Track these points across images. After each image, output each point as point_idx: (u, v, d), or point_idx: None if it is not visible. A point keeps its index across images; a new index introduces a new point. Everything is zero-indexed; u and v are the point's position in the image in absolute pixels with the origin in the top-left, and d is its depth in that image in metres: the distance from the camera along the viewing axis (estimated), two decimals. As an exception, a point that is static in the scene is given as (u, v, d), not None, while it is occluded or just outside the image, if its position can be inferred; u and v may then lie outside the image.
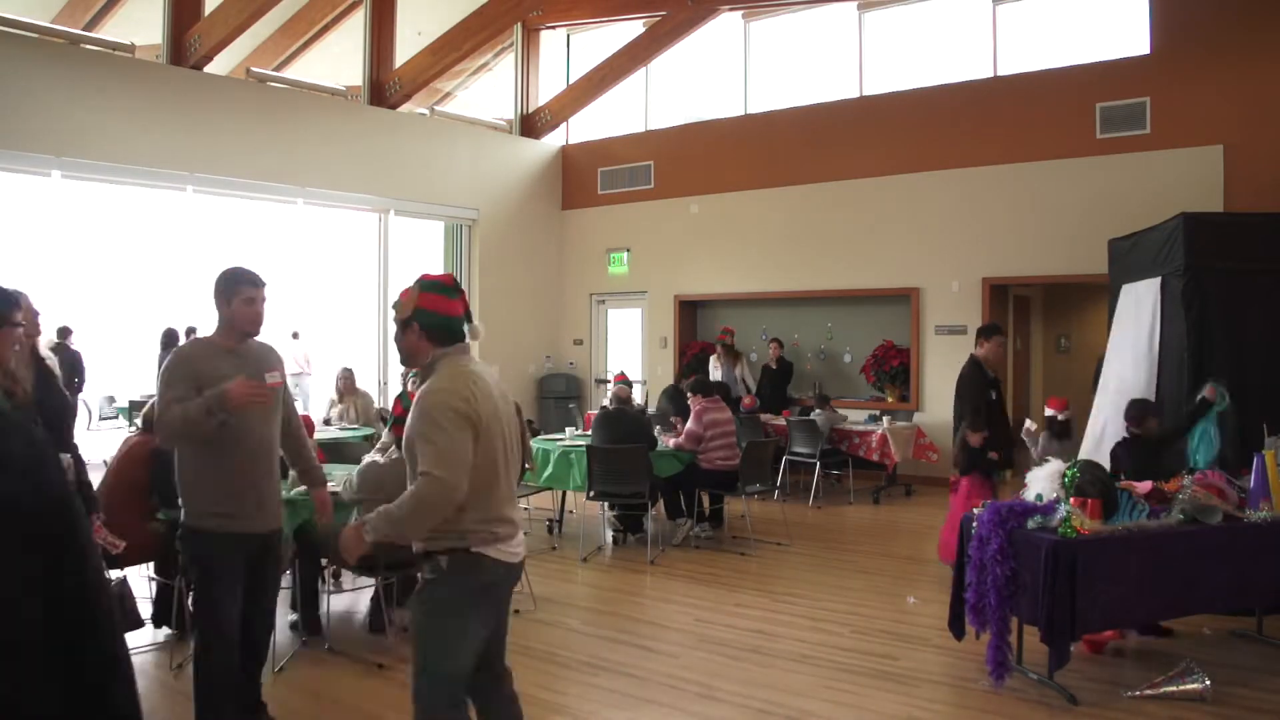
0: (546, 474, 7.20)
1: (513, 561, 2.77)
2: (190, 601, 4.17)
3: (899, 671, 4.48)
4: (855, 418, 9.88)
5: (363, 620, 5.29)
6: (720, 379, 10.15)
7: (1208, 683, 4.01)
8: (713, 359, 10.81)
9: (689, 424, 7.29)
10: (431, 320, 2.73)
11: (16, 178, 8.52)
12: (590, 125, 13.35)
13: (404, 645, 4.97)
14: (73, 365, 9.11)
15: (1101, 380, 6.63)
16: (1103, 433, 6.21)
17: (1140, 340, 6.19)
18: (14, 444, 1.32)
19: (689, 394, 7.56)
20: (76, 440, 3.92)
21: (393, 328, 2.92)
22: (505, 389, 2.89)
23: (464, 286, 12.41)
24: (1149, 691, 4.08)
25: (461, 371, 2.70)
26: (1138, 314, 6.32)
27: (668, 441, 7.43)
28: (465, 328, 2.79)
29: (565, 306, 13.26)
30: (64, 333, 9.23)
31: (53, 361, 4.05)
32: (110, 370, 10.93)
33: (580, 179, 13.13)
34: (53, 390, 3.78)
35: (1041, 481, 4.46)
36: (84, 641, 1.34)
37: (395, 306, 2.83)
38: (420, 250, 12.15)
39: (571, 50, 13.58)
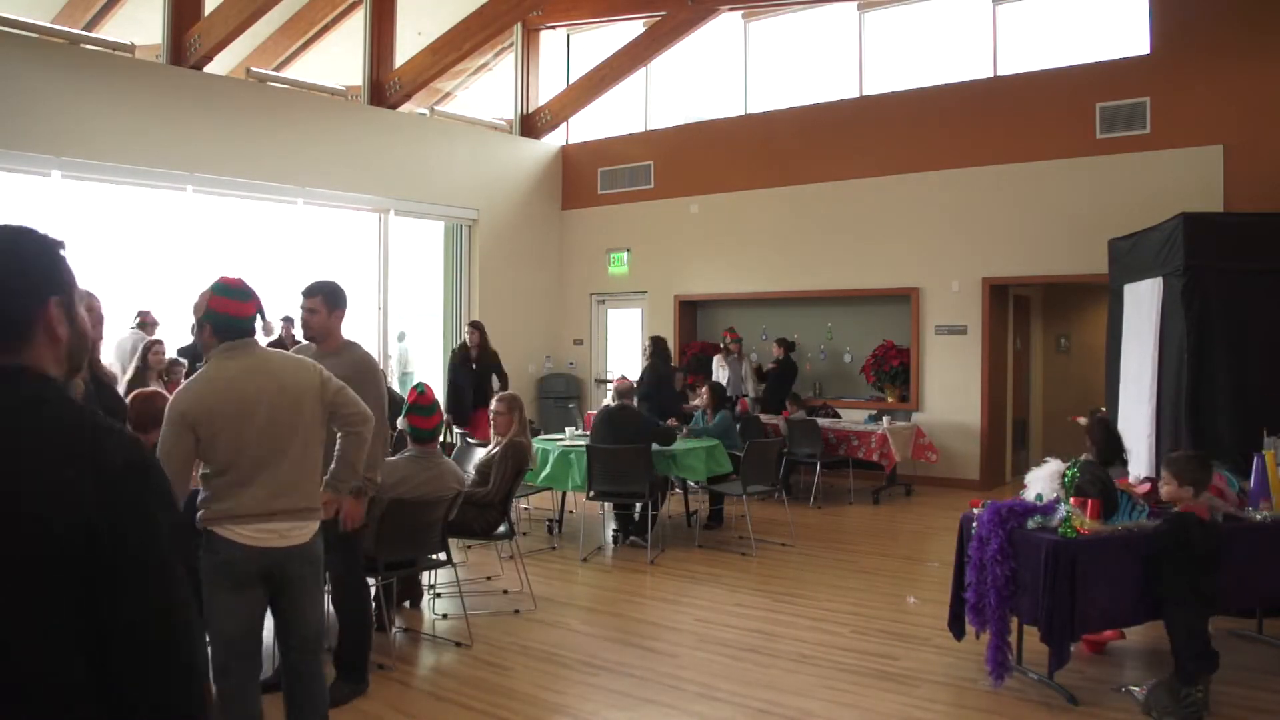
0: (545, 474, 7.20)
1: (251, 544, 2.98)
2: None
3: (899, 671, 4.48)
4: (855, 417, 9.88)
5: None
6: (725, 379, 10.17)
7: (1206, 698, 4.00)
8: (717, 359, 10.81)
9: None
10: (219, 320, 3.04)
11: (16, 178, 8.51)
12: (590, 125, 13.35)
13: (405, 645, 4.97)
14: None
15: (1122, 381, 6.62)
16: (1130, 436, 6.22)
17: (1144, 340, 6.20)
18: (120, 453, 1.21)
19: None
20: None
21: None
22: (300, 380, 3.11)
23: (464, 286, 12.33)
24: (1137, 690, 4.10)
25: (210, 373, 3.02)
26: (1139, 314, 6.33)
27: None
28: (258, 325, 3.13)
29: (565, 306, 13.26)
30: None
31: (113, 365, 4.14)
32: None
33: (580, 179, 13.13)
34: (110, 395, 3.85)
35: (1041, 481, 4.46)
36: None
37: (195, 307, 3.16)
38: (420, 250, 12.14)
39: (571, 50, 13.58)
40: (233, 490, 2.98)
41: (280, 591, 3.10)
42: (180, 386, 3.09)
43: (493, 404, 6.10)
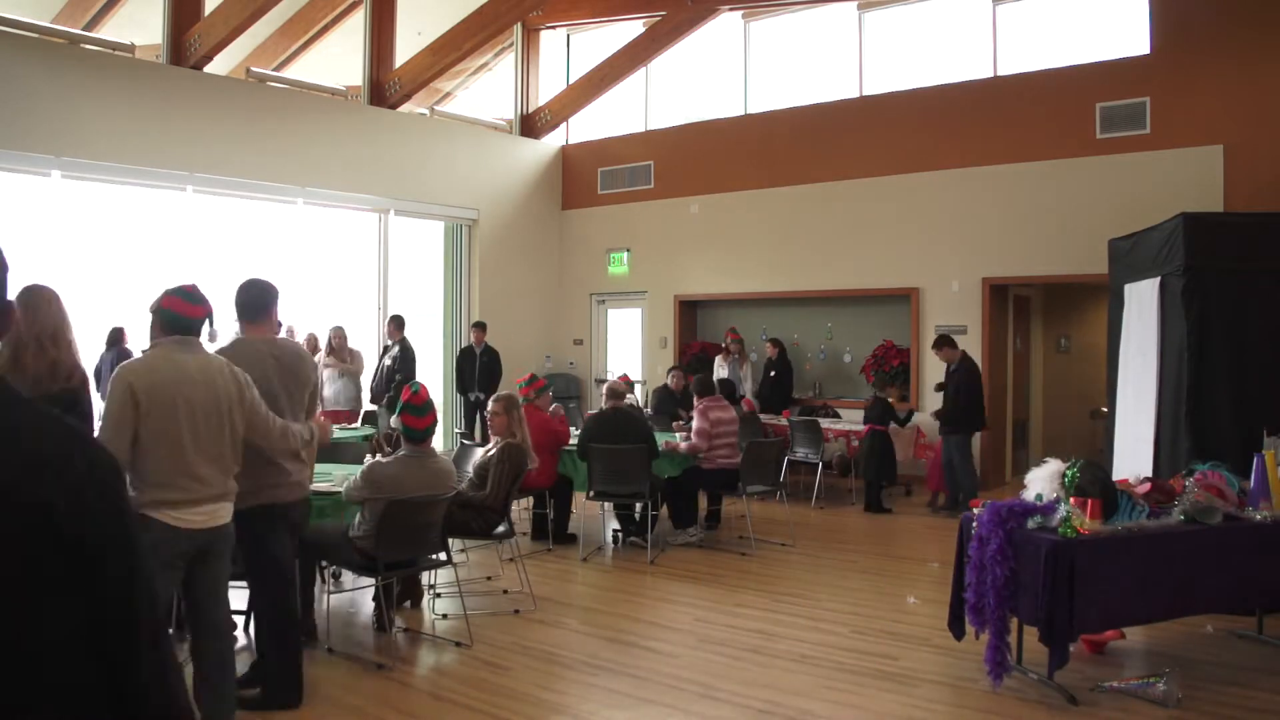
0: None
1: (180, 526, 3.17)
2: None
3: (899, 671, 4.48)
4: (855, 417, 9.87)
5: (362, 620, 5.29)
6: (726, 378, 10.16)
7: (1176, 690, 4.02)
8: (718, 359, 10.82)
9: (696, 423, 7.25)
10: (166, 316, 3.36)
11: (16, 178, 8.51)
12: (590, 125, 13.35)
13: (405, 645, 4.97)
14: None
15: (1120, 384, 6.61)
16: (1129, 436, 6.22)
17: (1145, 341, 6.19)
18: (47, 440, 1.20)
19: (694, 395, 7.50)
20: None
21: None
22: (231, 378, 3.38)
23: (464, 286, 12.34)
24: (1118, 685, 4.12)
25: (156, 355, 3.30)
26: (1140, 314, 6.32)
27: (676, 444, 7.38)
28: (206, 328, 3.41)
29: (565, 306, 13.26)
30: (117, 336, 9.13)
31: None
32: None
33: (580, 179, 13.13)
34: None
35: (1041, 481, 4.46)
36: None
37: (151, 305, 3.54)
38: (420, 250, 12.14)
39: (571, 50, 13.58)
40: (167, 478, 3.15)
41: (201, 569, 3.27)
42: (125, 362, 3.32)
43: (489, 405, 6.08)
